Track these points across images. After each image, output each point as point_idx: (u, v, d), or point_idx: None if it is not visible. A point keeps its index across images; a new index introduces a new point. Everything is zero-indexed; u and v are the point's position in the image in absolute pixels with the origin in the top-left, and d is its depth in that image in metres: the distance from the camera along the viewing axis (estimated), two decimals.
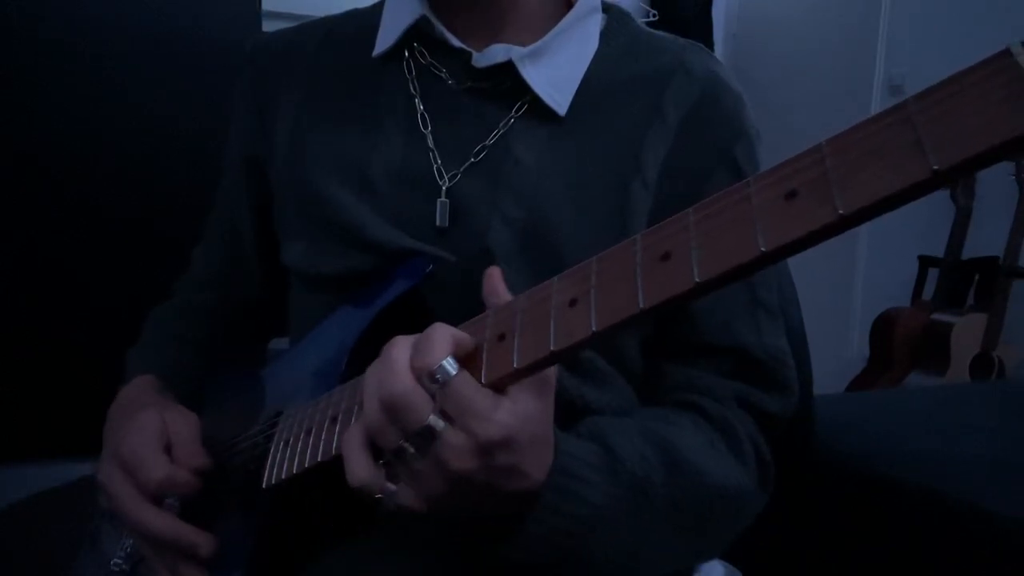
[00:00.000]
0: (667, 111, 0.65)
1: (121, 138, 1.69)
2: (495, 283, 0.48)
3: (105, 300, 1.64)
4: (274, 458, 0.58)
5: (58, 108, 1.64)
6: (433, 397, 0.44)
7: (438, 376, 0.43)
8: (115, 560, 0.67)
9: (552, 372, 0.46)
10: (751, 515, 0.64)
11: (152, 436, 0.61)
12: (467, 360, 0.45)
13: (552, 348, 0.41)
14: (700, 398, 0.64)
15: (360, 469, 0.46)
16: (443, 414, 0.44)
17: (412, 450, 0.45)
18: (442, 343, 0.44)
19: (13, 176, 1.63)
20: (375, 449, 0.47)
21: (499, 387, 0.44)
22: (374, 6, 0.73)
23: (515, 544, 0.50)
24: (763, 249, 0.33)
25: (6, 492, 0.83)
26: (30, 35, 1.60)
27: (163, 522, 0.59)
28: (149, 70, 1.68)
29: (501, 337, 0.44)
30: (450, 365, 0.43)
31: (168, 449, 0.61)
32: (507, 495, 0.47)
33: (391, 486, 0.46)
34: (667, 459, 0.57)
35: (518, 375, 0.43)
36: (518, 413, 0.44)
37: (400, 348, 0.45)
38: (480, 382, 0.44)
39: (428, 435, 0.44)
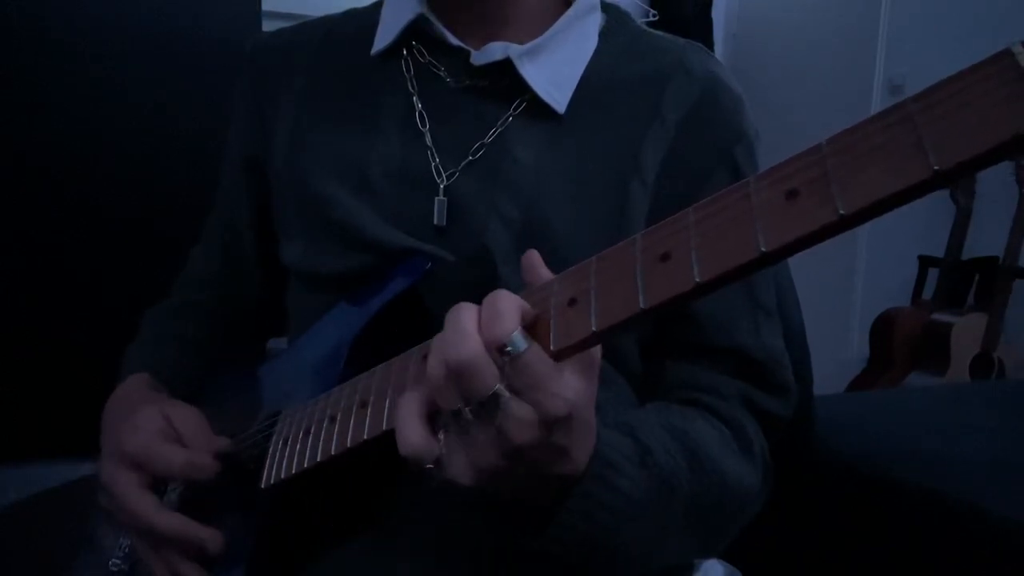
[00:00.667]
0: (666, 111, 0.65)
1: (121, 138, 1.69)
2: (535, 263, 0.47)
3: (105, 300, 1.64)
4: (273, 458, 0.58)
5: (58, 108, 1.64)
6: (500, 368, 0.42)
7: (508, 349, 0.41)
8: (114, 560, 0.67)
9: (597, 354, 0.44)
10: (752, 514, 0.64)
11: (156, 430, 0.61)
12: (531, 330, 0.43)
13: (553, 348, 0.41)
14: (707, 396, 0.64)
15: (414, 436, 0.45)
16: (508, 385, 0.42)
17: (472, 417, 0.43)
18: (511, 314, 0.42)
19: (13, 176, 1.63)
20: (429, 418, 0.45)
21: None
22: (373, 6, 0.73)
23: (549, 535, 0.49)
24: (763, 249, 0.33)
25: (6, 492, 0.83)
26: (30, 35, 1.60)
27: (170, 519, 0.59)
28: (149, 70, 1.68)
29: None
30: (520, 338, 0.42)
31: (174, 441, 0.61)
32: (549, 478, 0.46)
33: (443, 456, 0.45)
34: (689, 454, 0.57)
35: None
36: (579, 391, 0.43)
37: (468, 314, 0.43)
38: (548, 353, 0.43)
39: (493, 404, 0.42)
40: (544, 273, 0.46)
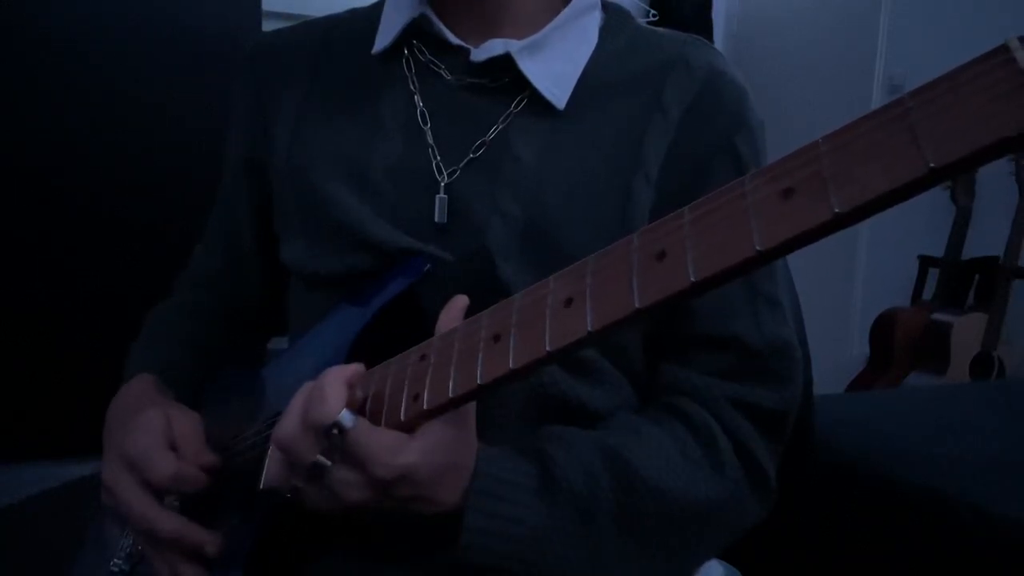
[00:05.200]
0: (668, 104, 0.65)
1: (121, 138, 1.69)
2: (451, 312, 0.51)
3: (105, 300, 1.65)
4: (271, 459, 0.58)
5: (58, 108, 1.65)
6: (320, 444, 0.47)
7: (333, 431, 0.46)
8: (115, 560, 0.67)
9: (467, 406, 0.49)
10: (737, 523, 0.63)
11: (158, 434, 0.61)
12: (374, 401, 0.48)
13: (548, 348, 0.41)
14: (684, 401, 0.63)
15: (272, 474, 0.52)
16: (336, 454, 0.47)
17: (302, 482, 0.49)
18: (336, 397, 0.47)
19: (13, 176, 1.63)
20: None
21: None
22: (373, 6, 0.74)
23: (460, 552, 0.53)
24: (759, 248, 0.33)
25: (6, 492, 0.83)
26: (31, 36, 1.60)
27: (169, 521, 0.59)
28: (149, 70, 1.69)
29: (496, 338, 0.44)
30: (347, 417, 0.46)
31: (173, 447, 0.61)
32: (419, 514, 0.50)
33: (298, 488, 0.50)
34: (618, 475, 0.58)
35: (514, 376, 0.43)
36: (424, 449, 0.47)
37: (300, 395, 0.50)
38: (383, 421, 0.48)
39: (316, 471, 0.48)
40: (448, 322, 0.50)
